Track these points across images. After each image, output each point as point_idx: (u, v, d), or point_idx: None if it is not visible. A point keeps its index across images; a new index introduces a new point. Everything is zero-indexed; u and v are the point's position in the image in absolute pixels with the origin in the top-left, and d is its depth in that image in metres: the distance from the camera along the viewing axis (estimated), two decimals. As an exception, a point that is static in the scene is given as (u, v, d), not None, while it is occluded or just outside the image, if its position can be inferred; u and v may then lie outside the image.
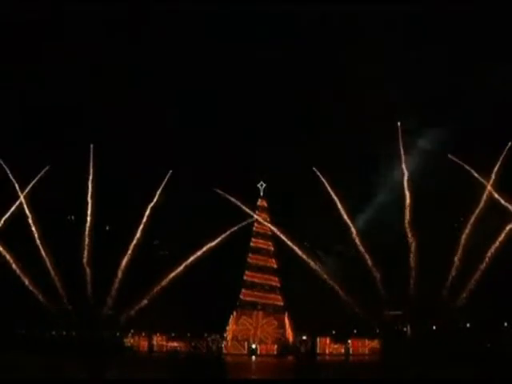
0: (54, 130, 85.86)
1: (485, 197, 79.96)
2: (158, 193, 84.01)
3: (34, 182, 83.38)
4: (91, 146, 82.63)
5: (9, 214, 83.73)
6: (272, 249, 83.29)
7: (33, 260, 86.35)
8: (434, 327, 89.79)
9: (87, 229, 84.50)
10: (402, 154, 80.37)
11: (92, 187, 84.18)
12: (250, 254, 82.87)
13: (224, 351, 79.43)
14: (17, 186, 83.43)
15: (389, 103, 78.76)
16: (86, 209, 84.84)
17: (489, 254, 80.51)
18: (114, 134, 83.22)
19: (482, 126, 78.63)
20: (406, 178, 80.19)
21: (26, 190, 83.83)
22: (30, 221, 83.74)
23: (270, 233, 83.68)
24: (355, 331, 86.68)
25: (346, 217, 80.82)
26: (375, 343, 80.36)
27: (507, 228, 79.26)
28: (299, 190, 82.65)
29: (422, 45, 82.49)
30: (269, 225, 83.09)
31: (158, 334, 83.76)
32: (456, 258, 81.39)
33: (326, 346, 79.09)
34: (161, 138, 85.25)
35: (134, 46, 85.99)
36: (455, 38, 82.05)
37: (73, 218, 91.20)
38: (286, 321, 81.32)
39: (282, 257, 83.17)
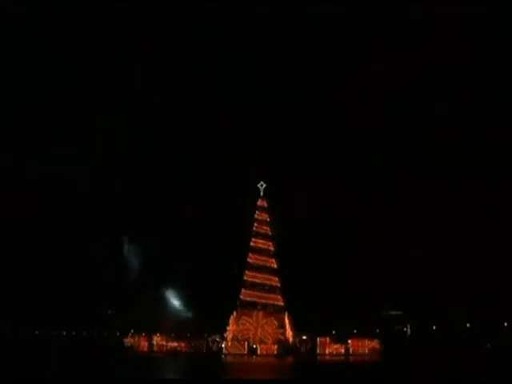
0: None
1: None
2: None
3: None
4: None
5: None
6: (272, 249, 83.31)
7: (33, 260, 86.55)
8: (434, 327, 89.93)
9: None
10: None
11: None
12: (250, 254, 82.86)
13: (224, 351, 79.32)
14: None
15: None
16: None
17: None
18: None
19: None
20: None
21: None
22: None
23: (270, 233, 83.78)
24: (355, 331, 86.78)
25: None
26: (375, 343, 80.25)
27: None
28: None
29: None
30: None
31: (158, 334, 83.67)
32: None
33: (326, 346, 78.96)
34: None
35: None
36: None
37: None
38: (286, 321, 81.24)
39: (281, 257, 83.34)
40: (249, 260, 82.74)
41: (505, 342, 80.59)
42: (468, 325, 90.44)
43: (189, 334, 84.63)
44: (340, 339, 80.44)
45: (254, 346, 78.84)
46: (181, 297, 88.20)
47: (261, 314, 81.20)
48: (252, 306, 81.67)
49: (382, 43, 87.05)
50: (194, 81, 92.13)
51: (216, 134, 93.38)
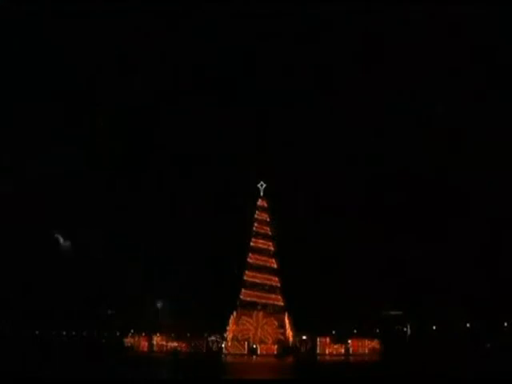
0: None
1: None
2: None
3: None
4: None
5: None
6: (272, 249, 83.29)
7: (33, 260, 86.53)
8: (434, 327, 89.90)
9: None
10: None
11: None
12: (250, 254, 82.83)
13: (224, 351, 79.25)
14: None
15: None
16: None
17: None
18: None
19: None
20: None
21: None
22: None
23: (270, 233, 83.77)
24: (355, 331, 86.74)
25: None
26: (375, 343, 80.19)
27: None
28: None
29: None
30: None
31: (158, 334, 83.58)
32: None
33: (326, 346, 78.86)
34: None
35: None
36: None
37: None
38: (286, 321, 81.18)
39: (281, 257, 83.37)
40: (249, 260, 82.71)
41: (505, 342, 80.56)
42: (468, 325, 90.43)
43: (189, 334, 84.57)
44: (340, 339, 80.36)
45: (254, 346, 78.77)
46: (181, 297, 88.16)
47: (261, 314, 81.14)
48: (252, 306, 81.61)
49: (382, 43, 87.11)
50: (193, 81, 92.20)
51: (216, 133, 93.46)
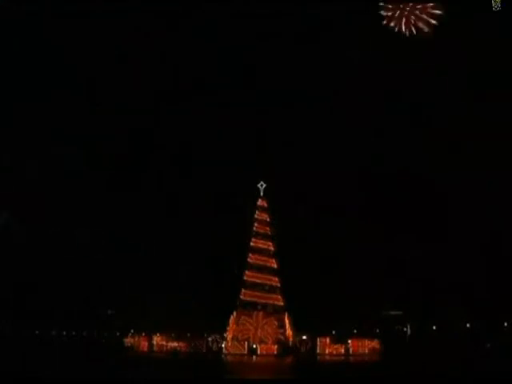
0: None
1: None
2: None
3: None
4: None
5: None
6: (272, 249, 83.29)
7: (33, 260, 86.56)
8: (434, 327, 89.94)
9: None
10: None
11: None
12: (250, 254, 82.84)
13: (224, 351, 79.27)
14: None
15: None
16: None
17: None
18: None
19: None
20: None
21: None
22: None
23: (270, 233, 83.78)
24: (355, 331, 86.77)
25: None
26: (375, 343, 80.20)
27: None
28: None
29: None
30: None
31: (158, 334, 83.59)
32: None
33: (326, 346, 78.85)
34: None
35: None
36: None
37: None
38: (286, 321, 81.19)
39: (281, 257, 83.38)
40: (249, 260, 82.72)
41: (505, 342, 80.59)
42: (468, 325, 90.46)
43: (189, 334, 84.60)
44: (340, 339, 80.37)
45: (254, 346, 78.79)
46: (181, 297, 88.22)
47: (261, 314, 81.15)
48: (252, 306, 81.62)
49: (381, 43, 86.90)
50: (193, 81, 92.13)
51: (216, 134, 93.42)
